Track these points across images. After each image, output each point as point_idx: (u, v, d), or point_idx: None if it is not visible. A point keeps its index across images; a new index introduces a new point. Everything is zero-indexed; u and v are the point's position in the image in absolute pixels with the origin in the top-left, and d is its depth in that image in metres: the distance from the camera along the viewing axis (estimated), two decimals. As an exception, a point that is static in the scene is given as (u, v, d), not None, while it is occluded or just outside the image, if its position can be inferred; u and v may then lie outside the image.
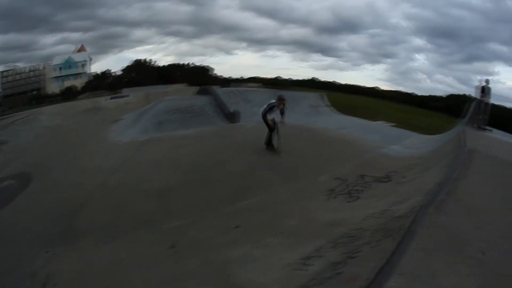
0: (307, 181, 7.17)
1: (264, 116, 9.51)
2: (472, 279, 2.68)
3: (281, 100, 9.60)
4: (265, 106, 9.60)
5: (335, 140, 9.03)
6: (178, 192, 6.99)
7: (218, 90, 17.34)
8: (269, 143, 9.75)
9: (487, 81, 16.14)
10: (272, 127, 9.68)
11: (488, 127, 14.98)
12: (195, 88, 22.49)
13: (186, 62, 58.91)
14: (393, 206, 4.54)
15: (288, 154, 8.76)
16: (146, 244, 5.23)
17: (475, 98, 16.62)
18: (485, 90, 16.11)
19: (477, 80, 16.98)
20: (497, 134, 13.35)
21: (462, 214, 3.75)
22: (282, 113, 9.62)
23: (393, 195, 5.25)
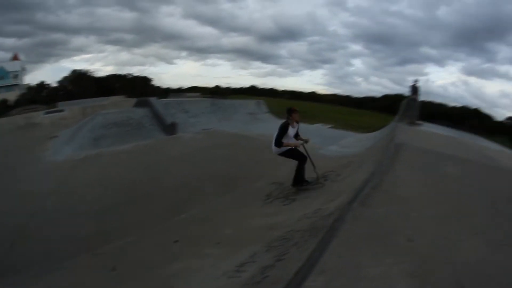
0: (244, 189, 7.22)
1: (279, 143, 6.70)
2: (399, 267, 2.80)
3: (293, 112, 6.92)
4: (276, 133, 6.83)
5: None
6: (116, 212, 6.72)
7: (156, 101, 16.90)
8: (302, 179, 6.94)
9: (416, 81, 17.67)
10: (304, 154, 6.92)
11: (419, 121, 16.35)
12: (133, 100, 21.77)
13: (126, 73, 57.00)
14: (325, 205, 4.72)
15: (225, 163, 8.68)
16: (87, 269, 4.92)
17: (407, 97, 18.12)
18: (415, 89, 17.60)
19: (410, 80, 18.39)
20: (426, 127, 14.51)
21: (388, 205, 3.94)
22: (297, 134, 7.06)
23: (327, 194, 5.46)
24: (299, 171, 6.92)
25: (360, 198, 3.96)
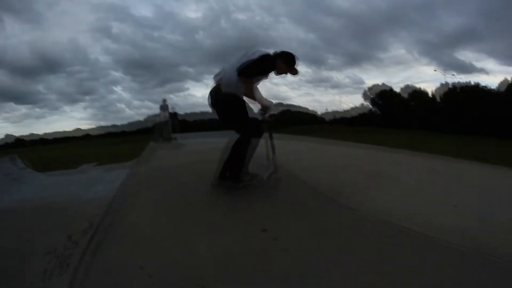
0: None
1: (248, 73, 4.67)
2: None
3: (292, 62, 5.02)
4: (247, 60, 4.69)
5: (39, 211, 7.79)
6: None
7: None
8: (240, 172, 5.06)
9: (164, 101, 19.29)
10: (261, 129, 4.99)
11: (176, 137, 18.04)
12: None
13: None
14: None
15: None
16: None
17: (158, 116, 19.56)
18: (164, 108, 19.25)
19: (164, 99, 19.80)
20: (181, 140, 15.79)
21: (126, 250, 3.88)
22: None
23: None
24: (241, 157, 4.84)
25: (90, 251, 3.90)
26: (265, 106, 4.82)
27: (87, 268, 3.38)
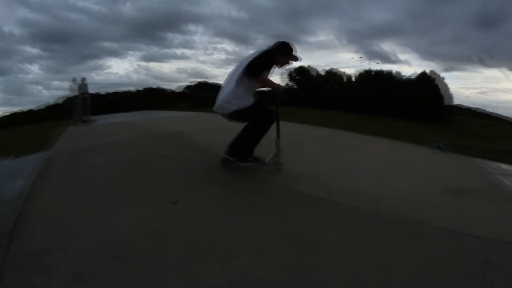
0: None
1: (256, 73, 4.51)
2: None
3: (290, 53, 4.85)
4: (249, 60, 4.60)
5: None
6: None
7: None
8: (248, 152, 4.97)
9: (74, 79, 17.84)
10: (274, 112, 4.88)
11: (91, 118, 16.84)
12: None
13: None
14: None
15: None
16: None
17: (69, 96, 18.08)
18: (74, 87, 17.85)
19: (73, 78, 18.12)
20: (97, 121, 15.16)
21: (44, 238, 3.53)
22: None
23: None
24: (251, 138, 4.78)
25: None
26: (278, 88, 4.92)
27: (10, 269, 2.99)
